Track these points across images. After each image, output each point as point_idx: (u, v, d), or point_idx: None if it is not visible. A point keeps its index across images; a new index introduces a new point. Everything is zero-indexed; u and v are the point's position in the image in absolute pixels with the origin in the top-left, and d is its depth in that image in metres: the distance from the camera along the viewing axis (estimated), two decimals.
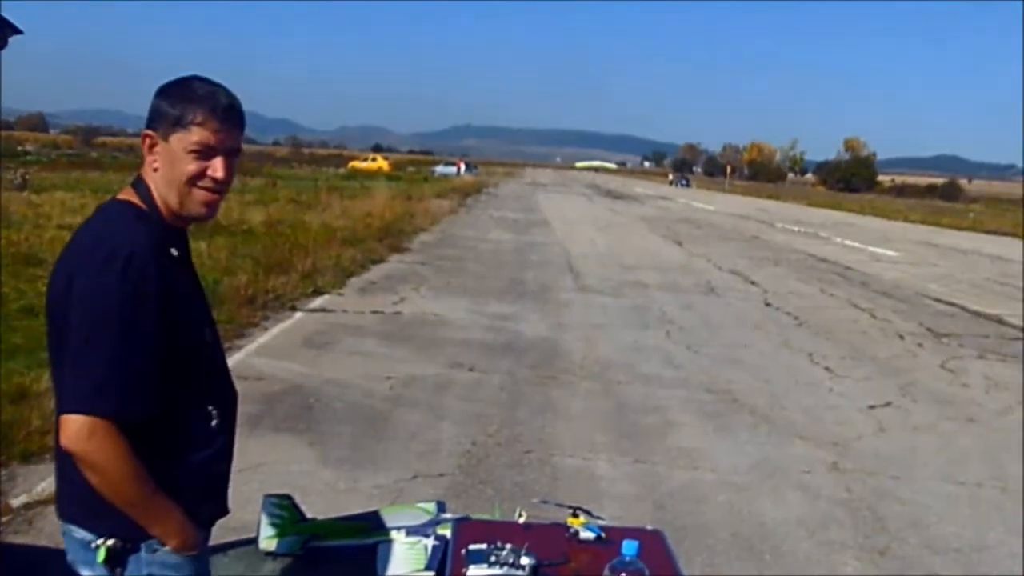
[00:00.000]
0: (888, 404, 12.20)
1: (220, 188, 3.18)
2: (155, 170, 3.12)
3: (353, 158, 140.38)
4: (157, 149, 3.10)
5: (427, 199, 48.64)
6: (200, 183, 3.12)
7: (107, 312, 2.85)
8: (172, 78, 3.17)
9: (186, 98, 3.06)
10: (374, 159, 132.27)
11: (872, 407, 11.99)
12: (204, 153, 3.08)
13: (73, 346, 2.89)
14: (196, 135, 3.05)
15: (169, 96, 3.08)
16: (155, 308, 2.92)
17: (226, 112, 3.12)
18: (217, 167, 3.13)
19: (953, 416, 11.95)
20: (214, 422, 3.30)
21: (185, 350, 3.12)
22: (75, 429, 2.82)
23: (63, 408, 2.87)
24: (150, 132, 3.10)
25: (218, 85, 3.16)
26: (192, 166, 3.08)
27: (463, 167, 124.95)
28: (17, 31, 4.18)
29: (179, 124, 3.04)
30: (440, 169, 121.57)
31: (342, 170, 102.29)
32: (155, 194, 3.13)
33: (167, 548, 3.09)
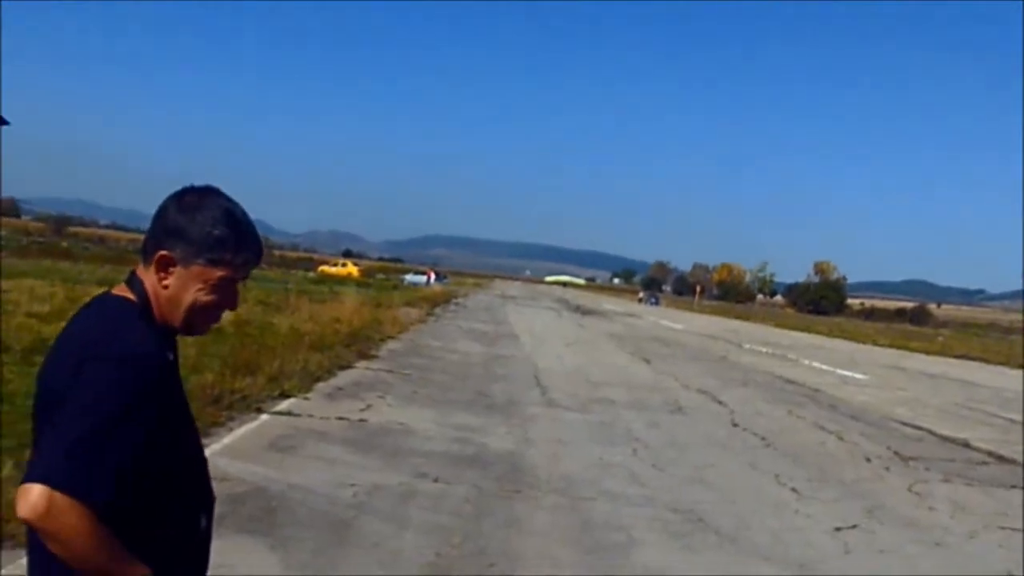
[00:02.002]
0: (854, 526, 12.16)
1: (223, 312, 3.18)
2: (164, 287, 3.08)
3: (324, 262, 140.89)
4: (173, 271, 3.05)
5: (396, 307, 48.76)
6: (212, 313, 3.11)
7: (105, 404, 2.79)
8: (192, 191, 3.10)
9: (217, 229, 3.02)
10: (344, 264, 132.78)
11: (838, 529, 11.95)
12: (224, 288, 3.06)
13: (56, 424, 2.82)
14: (222, 272, 3.05)
15: (196, 219, 3.03)
16: (153, 411, 2.89)
17: (255, 252, 3.12)
18: (233, 300, 3.13)
19: (919, 539, 11.92)
20: (201, 525, 3.26)
21: (175, 452, 3.09)
22: (32, 500, 2.70)
23: (26, 477, 2.76)
24: (167, 252, 3.04)
25: (242, 214, 3.14)
26: (209, 298, 3.07)
27: (433, 276, 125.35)
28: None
29: (206, 256, 3.02)
30: (410, 278, 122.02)
31: (312, 274, 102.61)
32: (152, 300, 3.09)
33: None
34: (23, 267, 42.77)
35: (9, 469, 8.78)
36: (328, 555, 9.01)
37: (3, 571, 7.32)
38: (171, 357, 3.14)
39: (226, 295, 3.09)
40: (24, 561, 3.30)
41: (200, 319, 3.11)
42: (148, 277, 3.10)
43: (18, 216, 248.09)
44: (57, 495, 2.69)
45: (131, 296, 3.10)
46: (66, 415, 2.80)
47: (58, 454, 2.75)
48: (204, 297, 3.05)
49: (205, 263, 3.01)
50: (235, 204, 3.12)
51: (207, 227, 3.00)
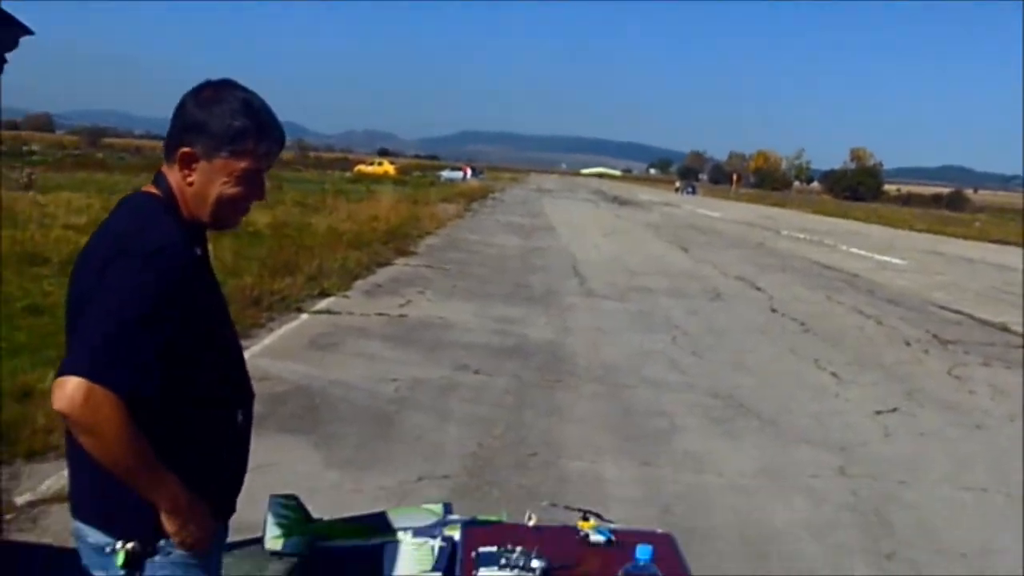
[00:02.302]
0: (894, 410, 12.16)
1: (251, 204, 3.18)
2: (189, 184, 3.05)
3: (359, 162, 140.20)
4: (196, 166, 3.02)
5: (433, 203, 48.65)
6: (240, 205, 3.10)
7: (130, 296, 2.77)
8: (209, 86, 3.06)
9: (236, 120, 2.98)
10: (380, 163, 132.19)
11: (879, 412, 11.96)
12: (250, 178, 3.05)
13: (87, 319, 2.82)
14: (246, 162, 3.00)
15: (215, 112, 2.98)
16: (178, 304, 2.87)
17: (278, 140, 3.09)
18: (260, 190, 3.10)
19: (959, 422, 11.93)
20: (238, 420, 3.27)
21: (207, 348, 3.08)
22: (69, 392, 2.69)
23: (60, 371, 2.75)
24: (189, 148, 3.01)
25: (259, 99, 3.11)
26: (235, 190, 3.03)
27: (469, 172, 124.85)
28: (28, 32, 4.15)
29: (229, 148, 2.98)
30: (446, 174, 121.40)
31: (348, 174, 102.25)
32: (179, 197, 3.07)
33: (176, 541, 3.02)
34: (59, 180, 42.66)
35: (51, 380, 8.84)
36: (371, 450, 9.09)
37: (45, 483, 7.39)
38: (199, 252, 3.12)
39: (252, 186, 3.07)
40: (65, 473, 3.33)
41: (228, 212, 3.09)
42: (173, 175, 3.07)
43: (52, 131, 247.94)
44: (92, 385, 2.67)
45: (158, 192, 3.10)
46: (96, 310, 2.80)
47: (91, 347, 2.74)
48: (230, 190, 3.02)
49: (228, 155, 2.97)
50: (253, 94, 3.08)
51: (227, 119, 2.96)
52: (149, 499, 2.93)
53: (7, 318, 12.62)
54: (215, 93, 3.03)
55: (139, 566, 3.05)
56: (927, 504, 8.79)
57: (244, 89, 3.07)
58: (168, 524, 2.99)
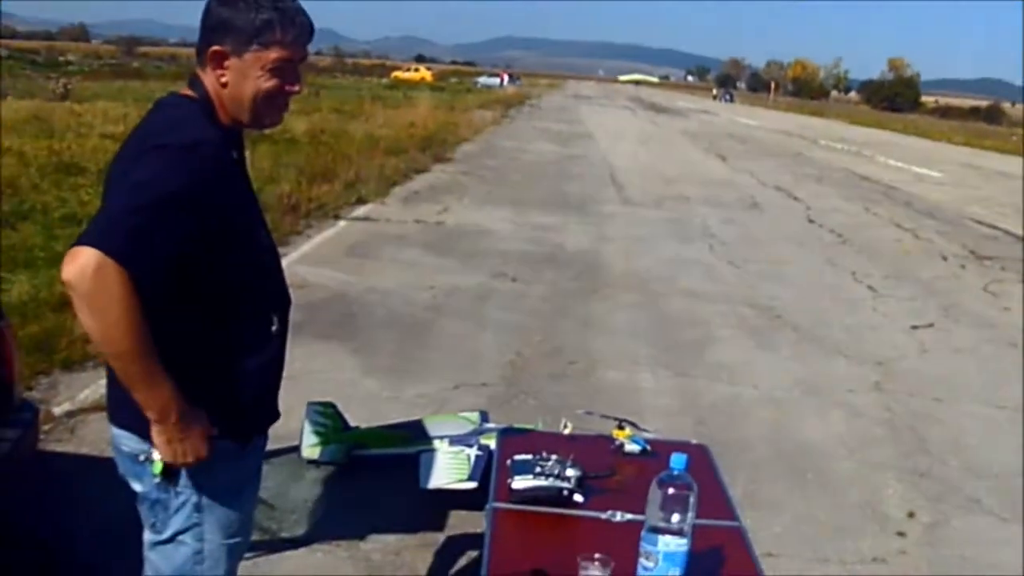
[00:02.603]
0: (931, 325, 12.14)
1: (290, 99, 3.16)
2: (223, 85, 3.04)
3: (396, 68, 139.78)
4: (228, 63, 3.01)
5: (470, 110, 48.48)
6: (277, 100, 3.09)
7: (157, 182, 2.75)
8: None
9: (261, 11, 2.97)
10: (417, 69, 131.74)
11: (915, 327, 11.94)
12: (283, 70, 3.04)
13: (108, 200, 2.84)
14: (276, 52, 2.99)
15: (239, 7, 2.98)
16: (206, 200, 2.85)
17: (304, 26, 3.07)
18: (295, 81, 3.09)
19: (995, 339, 11.89)
20: (273, 327, 3.28)
21: (241, 250, 3.08)
22: (80, 261, 2.64)
23: (74, 243, 2.70)
24: (219, 47, 3.00)
25: None
26: (271, 83, 3.02)
27: (506, 79, 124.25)
28: None
29: (257, 41, 2.97)
30: (483, 80, 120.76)
31: (385, 80, 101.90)
32: (215, 100, 3.06)
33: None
34: (96, 89, 42.44)
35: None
36: (408, 357, 9.14)
37: (83, 393, 7.44)
38: (235, 155, 3.13)
39: (287, 76, 3.06)
40: (103, 383, 3.34)
41: (266, 107, 3.09)
42: (207, 78, 3.07)
43: (88, 40, 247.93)
44: (105, 258, 2.63)
45: (194, 95, 3.10)
46: (121, 192, 2.80)
47: (110, 222, 2.73)
48: (265, 83, 3.01)
49: (257, 48, 2.97)
50: None
51: (251, 13, 2.95)
52: (139, 400, 2.88)
53: (45, 228, 12.67)
54: None
55: (175, 475, 3.06)
56: (962, 422, 8.79)
57: None
58: (153, 433, 2.95)
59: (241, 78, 3.01)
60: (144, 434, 3.02)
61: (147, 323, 2.76)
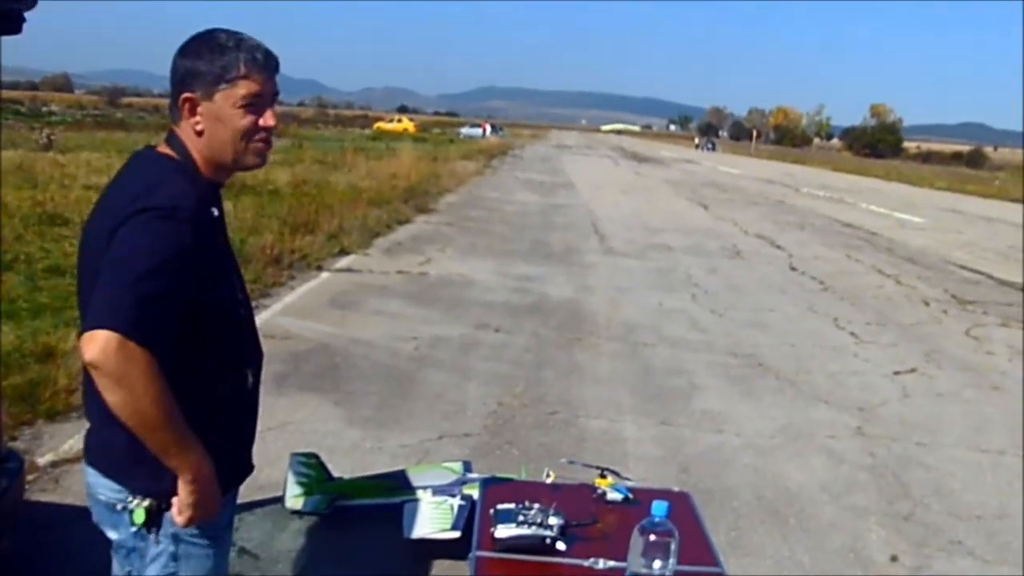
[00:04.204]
0: (913, 370, 12.18)
1: (271, 136, 3.19)
2: (199, 133, 3.09)
3: (379, 119, 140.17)
4: (200, 110, 3.06)
5: (453, 160, 48.58)
6: (255, 136, 3.12)
7: (149, 252, 2.80)
8: (191, 38, 3.13)
9: (222, 52, 3.04)
10: (400, 120, 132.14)
11: (897, 373, 11.97)
12: (254, 105, 3.07)
13: (105, 277, 2.83)
14: (244, 88, 3.04)
15: (199, 54, 3.05)
16: (190, 262, 2.89)
17: (267, 59, 3.11)
18: (268, 117, 3.12)
19: (978, 383, 11.92)
20: (247, 381, 3.31)
21: (217, 308, 3.12)
22: (101, 343, 2.69)
23: (86, 326, 2.76)
24: (189, 94, 3.06)
25: (243, 33, 3.14)
26: (245, 120, 3.06)
27: (489, 129, 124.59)
28: None
29: (223, 80, 3.03)
30: (466, 131, 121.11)
31: (368, 131, 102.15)
32: (193, 152, 3.11)
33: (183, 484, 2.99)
34: (79, 140, 42.55)
35: (73, 341, 8.87)
36: (392, 408, 9.14)
37: (67, 443, 7.44)
38: (215, 212, 3.17)
39: (260, 110, 3.11)
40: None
41: (246, 145, 3.13)
42: (183, 131, 3.12)
43: (71, 91, 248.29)
44: (123, 338, 2.70)
45: (171, 153, 3.15)
46: (116, 266, 2.81)
47: (118, 302, 2.76)
48: (240, 121, 3.07)
49: (225, 86, 3.03)
50: (228, 30, 3.15)
51: (214, 57, 3.03)
52: (171, 463, 2.93)
53: (28, 278, 12.69)
54: (198, 40, 3.10)
55: (155, 524, 3.10)
56: (944, 466, 8.82)
57: (224, 30, 3.13)
58: (184, 494, 2.99)
59: (215, 121, 3.06)
60: (123, 482, 3.07)
61: (171, 391, 2.82)
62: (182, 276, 2.86)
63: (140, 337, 2.72)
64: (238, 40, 3.08)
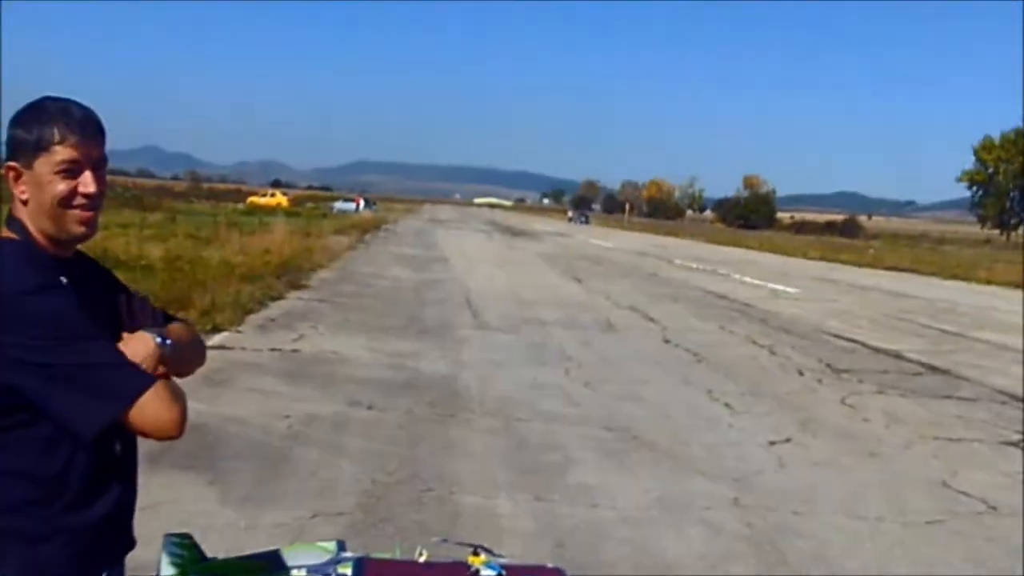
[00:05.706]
0: (788, 440, 12.29)
1: (94, 203, 3.11)
2: (24, 202, 3.05)
3: (252, 193, 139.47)
4: (23, 179, 3.03)
5: (326, 235, 48.45)
6: (74, 202, 3.07)
7: (55, 327, 2.85)
8: (22, 108, 3.10)
9: (40, 120, 3.01)
10: (273, 194, 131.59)
11: (772, 443, 12.07)
12: (71, 171, 3.03)
13: (58, 371, 2.84)
14: (59, 154, 2.99)
15: (22, 123, 3.03)
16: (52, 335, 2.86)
17: (83, 124, 3.06)
18: (87, 182, 3.07)
19: (854, 451, 12.07)
20: (115, 450, 3.24)
21: None
22: (148, 414, 3.03)
23: (101, 418, 2.94)
24: (12, 164, 3.04)
25: (69, 100, 3.12)
26: (61, 186, 3.01)
27: (362, 203, 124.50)
28: None
29: (39, 148, 2.99)
30: (339, 205, 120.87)
31: (241, 205, 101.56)
32: (30, 227, 3.07)
33: None
34: None
35: None
36: (266, 486, 9.04)
37: None
38: (64, 281, 3.09)
39: (78, 175, 3.05)
40: None
41: (64, 215, 3.07)
42: (17, 207, 3.10)
43: None
44: (137, 402, 2.97)
45: (11, 235, 3.10)
46: (51, 358, 2.85)
47: (111, 378, 2.95)
48: (58, 186, 3.01)
49: (42, 153, 2.99)
50: (56, 98, 3.13)
51: (32, 125, 3.01)
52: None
53: None
54: (25, 109, 3.08)
55: None
56: (822, 534, 8.89)
57: (53, 98, 3.10)
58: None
59: (36, 189, 3.02)
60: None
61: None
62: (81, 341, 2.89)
63: (146, 384, 3.09)
64: (62, 106, 3.06)
